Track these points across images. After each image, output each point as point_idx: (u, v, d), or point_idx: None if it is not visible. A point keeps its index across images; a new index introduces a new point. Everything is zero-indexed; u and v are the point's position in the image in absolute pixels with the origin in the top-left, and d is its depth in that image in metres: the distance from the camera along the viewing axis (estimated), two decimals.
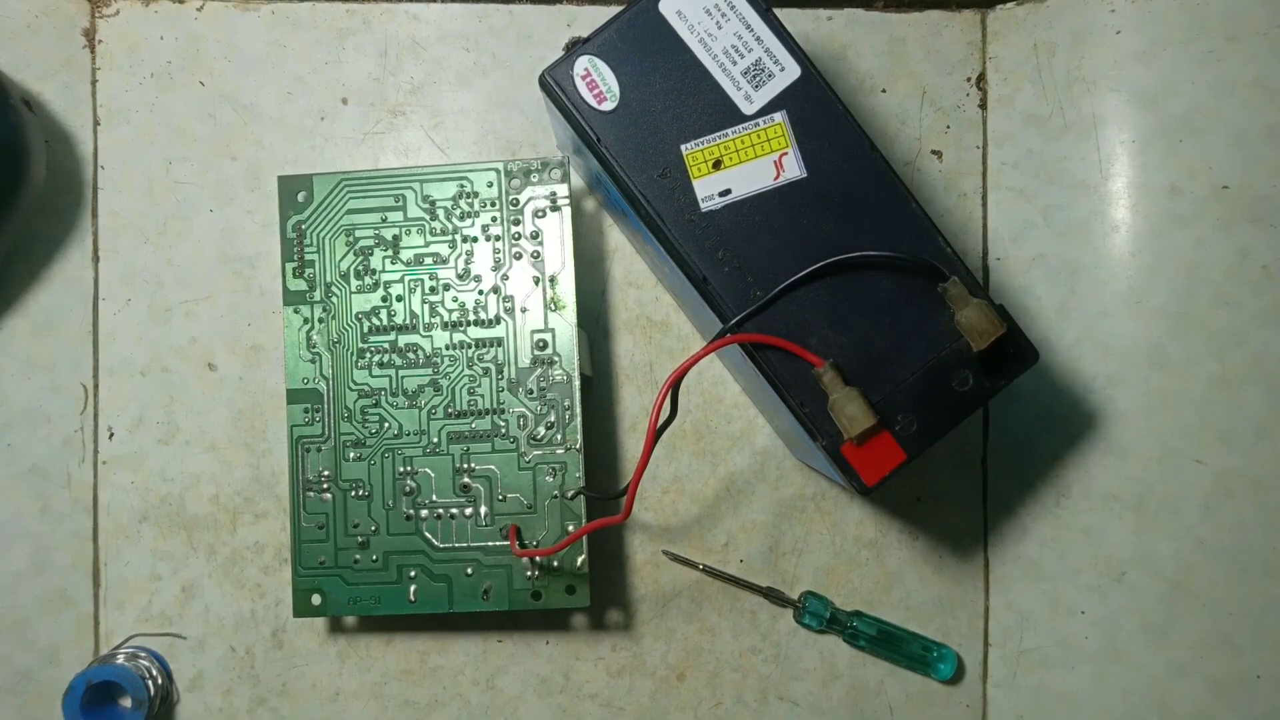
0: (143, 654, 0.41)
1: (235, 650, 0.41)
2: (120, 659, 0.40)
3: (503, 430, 0.37)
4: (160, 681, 0.40)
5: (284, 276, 0.38)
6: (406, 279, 0.38)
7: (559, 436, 0.37)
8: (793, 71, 0.32)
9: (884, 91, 0.42)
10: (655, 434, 0.32)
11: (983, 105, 0.43)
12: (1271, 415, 0.39)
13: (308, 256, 0.38)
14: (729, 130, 0.32)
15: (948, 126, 0.42)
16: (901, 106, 0.42)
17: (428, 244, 0.38)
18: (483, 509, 0.37)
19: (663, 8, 0.32)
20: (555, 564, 0.37)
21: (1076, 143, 0.41)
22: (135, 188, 0.42)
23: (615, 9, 0.33)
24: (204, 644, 0.41)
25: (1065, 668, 0.41)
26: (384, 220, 0.38)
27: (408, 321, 0.37)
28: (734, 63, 0.32)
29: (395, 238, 0.38)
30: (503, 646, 0.41)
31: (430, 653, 0.41)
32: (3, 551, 0.41)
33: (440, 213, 0.38)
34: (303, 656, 0.41)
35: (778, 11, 0.32)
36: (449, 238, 0.38)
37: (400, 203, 0.38)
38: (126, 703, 0.40)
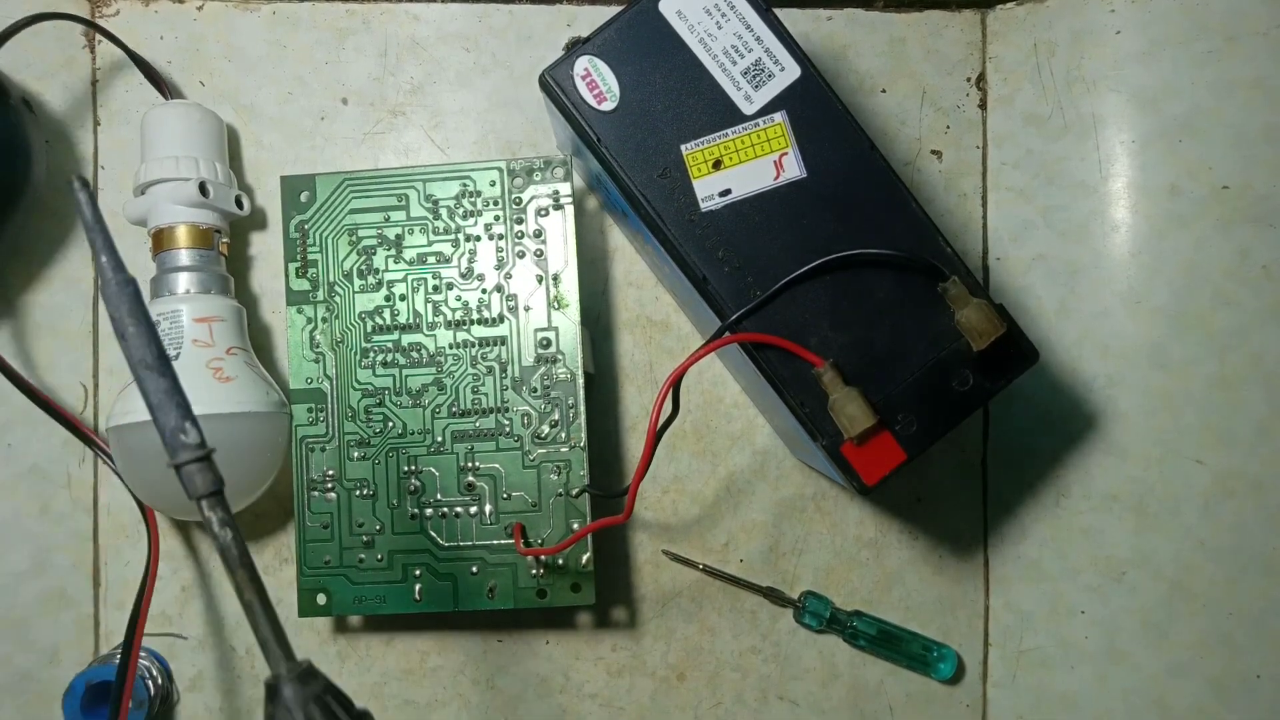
0: (143, 654, 0.41)
1: (235, 650, 0.41)
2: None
3: (507, 429, 0.37)
4: (160, 681, 0.40)
5: (287, 276, 0.38)
6: (410, 278, 0.38)
7: (563, 434, 0.37)
8: (793, 71, 0.32)
9: (884, 91, 0.42)
10: (656, 434, 0.32)
11: (983, 105, 0.43)
12: (1271, 415, 0.39)
13: (311, 256, 0.38)
14: (729, 130, 0.32)
15: (948, 126, 0.42)
16: (901, 106, 0.42)
17: (431, 243, 0.38)
18: (487, 507, 0.37)
19: (663, 8, 0.32)
20: (560, 562, 0.37)
21: (1076, 143, 0.41)
22: None
23: (615, 9, 0.33)
24: (204, 644, 0.41)
25: (1065, 668, 0.41)
26: (387, 220, 0.38)
27: (411, 321, 0.38)
28: (734, 63, 0.32)
29: (398, 237, 0.38)
30: (503, 646, 0.41)
31: (430, 653, 0.41)
32: (3, 551, 0.41)
33: (443, 212, 0.38)
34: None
35: (778, 11, 0.32)
36: (452, 237, 0.38)
37: (403, 202, 0.38)
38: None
